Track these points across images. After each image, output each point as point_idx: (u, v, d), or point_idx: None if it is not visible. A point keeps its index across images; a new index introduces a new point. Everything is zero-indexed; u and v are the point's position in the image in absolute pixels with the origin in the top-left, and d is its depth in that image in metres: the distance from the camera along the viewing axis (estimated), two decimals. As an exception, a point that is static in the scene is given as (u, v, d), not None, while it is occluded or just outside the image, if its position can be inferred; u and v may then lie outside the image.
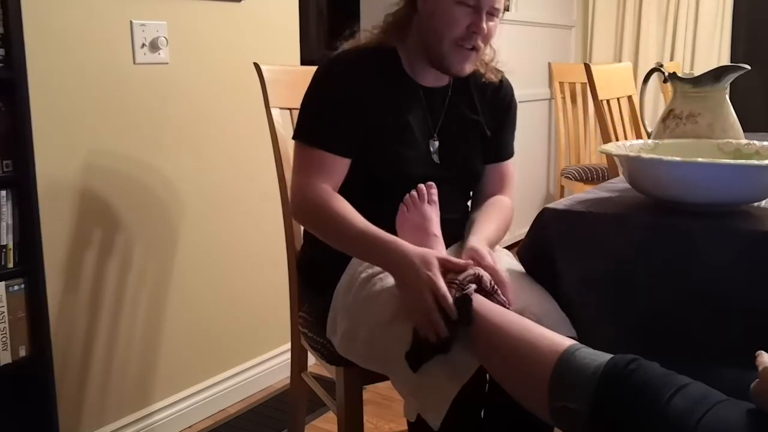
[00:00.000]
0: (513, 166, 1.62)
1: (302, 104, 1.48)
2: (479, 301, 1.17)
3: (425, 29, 1.44)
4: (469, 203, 1.62)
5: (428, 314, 1.16)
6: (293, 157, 1.48)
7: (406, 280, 1.22)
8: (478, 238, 1.36)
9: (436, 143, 1.51)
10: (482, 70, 1.54)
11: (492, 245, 1.39)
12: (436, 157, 1.50)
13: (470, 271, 1.20)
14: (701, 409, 0.90)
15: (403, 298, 1.24)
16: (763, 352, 0.94)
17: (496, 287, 1.20)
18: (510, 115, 1.60)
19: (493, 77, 1.55)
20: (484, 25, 1.39)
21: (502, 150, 1.60)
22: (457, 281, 1.19)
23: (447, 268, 1.22)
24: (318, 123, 1.44)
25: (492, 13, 1.41)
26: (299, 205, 1.43)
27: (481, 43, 1.42)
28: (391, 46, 1.49)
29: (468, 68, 1.46)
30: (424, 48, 1.46)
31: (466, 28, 1.39)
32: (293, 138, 1.48)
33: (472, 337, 1.15)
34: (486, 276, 1.20)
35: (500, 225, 1.47)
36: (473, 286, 1.18)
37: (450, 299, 1.16)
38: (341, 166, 1.43)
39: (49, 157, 1.73)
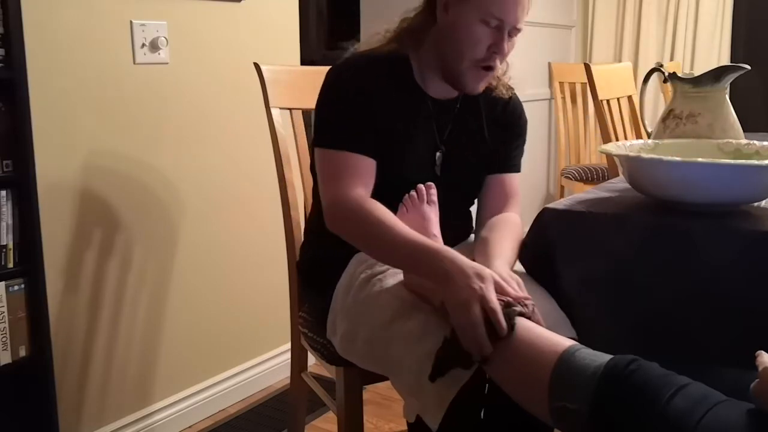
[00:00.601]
0: (517, 182, 1.57)
1: (317, 111, 1.45)
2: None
3: (443, 42, 1.40)
4: (471, 209, 1.61)
5: (475, 328, 1.09)
6: (318, 166, 1.42)
7: (457, 289, 1.13)
8: (501, 263, 1.28)
9: (441, 156, 1.49)
10: (494, 83, 1.51)
11: (511, 267, 1.34)
12: (438, 170, 1.49)
13: (519, 307, 1.13)
14: (701, 410, 0.90)
15: (450, 308, 1.15)
16: (763, 352, 0.94)
17: (535, 316, 1.14)
18: (517, 130, 1.57)
19: (504, 93, 1.53)
20: (506, 46, 1.37)
21: (507, 162, 1.56)
22: (503, 300, 1.13)
23: (498, 290, 1.15)
24: (338, 126, 1.40)
25: (512, 34, 1.38)
26: (336, 214, 1.37)
27: (498, 63, 1.40)
28: (403, 53, 1.46)
29: (482, 87, 1.44)
30: (438, 60, 1.43)
31: (487, 48, 1.36)
32: (314, 146, 1.43)
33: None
34: (531, 306, 1.14)
35: (514, 245, 1.41)
36: (519, 307, 1.12)
37: (500, 314, 1.09)
38: (370, 167, 1.39)
39: (49, 157, 1.73)
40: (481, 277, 1.13)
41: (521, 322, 1.10)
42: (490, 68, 1.40)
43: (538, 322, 1.12)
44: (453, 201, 1.49)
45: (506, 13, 1.34)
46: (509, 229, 1.44)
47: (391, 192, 1.41)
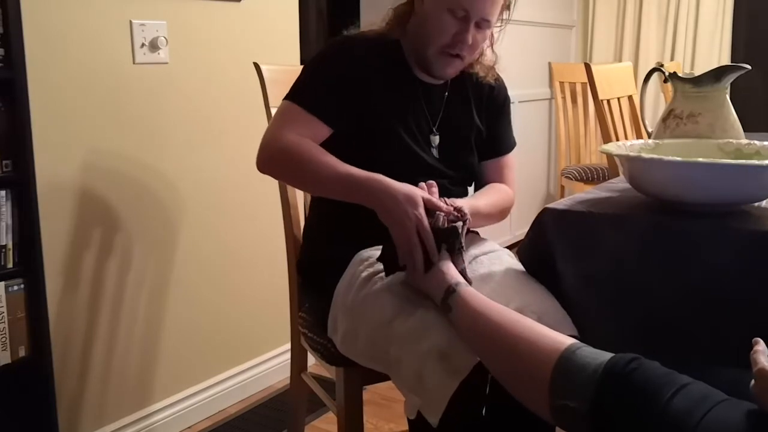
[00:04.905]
0: (513, 160, 1.64)
1: (300, 73, 1.49)
2: (479, 300, 1.17)
3: (417, 29, 1.47)
4: None
5: (412, 252, 1.24)
6: (275, 113, 1.48)
7: (393, 215, 1.26)
8: (459, 200, 1.39)
9: (437, 138, 1.52)
10: (482, 73, 1.56)
11: (479, 213, 1.42)
12: (435, 152, 1.52)
13: (459, 223, 1.27)
14: (702, 409, 0.89)
15: (391, 233, 1.27)
16: (758, 348, 0.94)
17: (468, 220, 1.29)
18: (504, 111, 1.63)
19: (492, 81, 1.58)
20: (470, 37, 1.41)
21: (500, 145, 1.63)
22: (441, 220, 1.27)
23: (430, 206, 1.27)
24: (308, 88, 1.45)
25: (481, 25, 1.42)
26: (270, 152, 1.41)
27: (465, 53, 1.45)
28: (396, 37, 1.51)
29: (451, 72, 1.50)
30: (415, 46, 1.49)
31: (453, 36, 1.42)
32: (283, 99, 1.47)
33: (472, 336, 1.15)
34: (465, 209, 1.29)
35: (494, 202, 1.50)
36: (460, 223, 1.26)
37: (433, 242, 1.24)
38: (321, 130, 1.44)
39: (49, 157, 1.73)
40: (413, 203, 1.25)
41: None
42: (457, 56, 1.45)
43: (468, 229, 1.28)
44: (449, 187, 1.52)
45: (471, 5, 1.39)
46: (492, 189, 1.55)
47: (397, 174, 1.42)
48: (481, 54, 1.55)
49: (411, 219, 1.24)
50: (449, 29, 1.42)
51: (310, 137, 1.41)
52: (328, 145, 1.44)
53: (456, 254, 1.26)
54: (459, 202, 1.37)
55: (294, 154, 1.38)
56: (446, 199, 1.32)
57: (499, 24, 1.50)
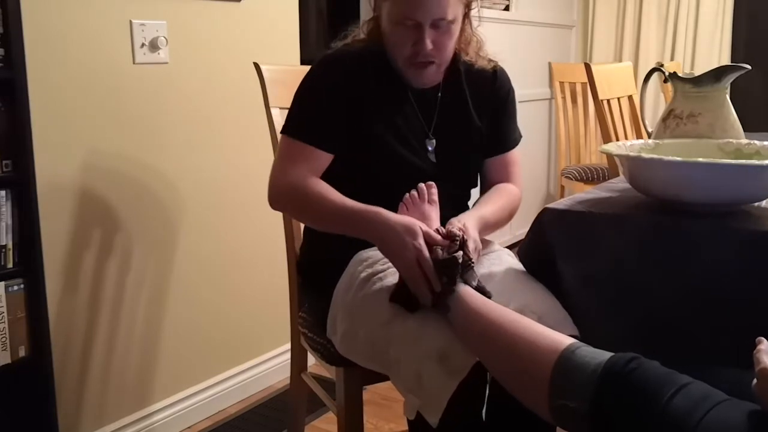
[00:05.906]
0: (517, 154, 1.61)
1: (293, 100, 1.49)
2: (478, 299, 1.17)
3: (386, 44, 1.46)
4: (469, 203, 1.61)
5: (416, 283, 1.22)
6: (277, 150, 1.49)
7: (393, 248, 1.26)
8: (466, 215, 1.37)
9: (433, 142, 1.51)
10: (473, 60, 1.53)
11: (487, 223, 1.41)
12: (432, 157, 1.50)
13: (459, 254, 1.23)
14: (702, 409, 0.89)
15: (395, 266, 1.27)
16: (761, 347, 0.94)
17: (471, 260, 1.24)
18: (508, 105, 1.60)
19: (487, 65, 1.55)
20: (428, 42, 1.39)
21: (504, 140, 1.59)
22: (443, 251, 1.24)
23: (429, 241, 1.25)
24: (305, 118, 1.46)
25: (439, 25, 1.39)
26: (277, 191, 1.44)
27: (434, 58, 1.42)
28: (379, 48, 1.49)
29: (429, 80, 1.48)
30: None
31: (412, 46, 1.41)
32: (281, 132, 1.49)
33: (471, 336, 1.15)
34: (471, 243, 1.26)
35: (501, 206, 1.48)
36: (460, 253, 1.23)
37: (434, 273, 1.21)
38: (323, 159, 1.45)
39: (49, 157, 1.73)
40: (413, 234, 1.24)
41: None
42: (428, 63, 1.43)
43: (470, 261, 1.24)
44: (451, 190, 1.51)
45: (414, 12, 1.37)
46: (499, 194, 1.52)
47: (389, 183, 1.42)
48: (468, 43, 1.52)
49: (410, 250, 1.23)
50: (406, 41, 1.40)
51: (314, 170, 1.42)
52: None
53: (467, 272, 1.23)
54: (463, 219, 1.34)
55: (299, 194, 1.40)
56: (440, 228, 1.29)
57: (474, 7, 1.47)
